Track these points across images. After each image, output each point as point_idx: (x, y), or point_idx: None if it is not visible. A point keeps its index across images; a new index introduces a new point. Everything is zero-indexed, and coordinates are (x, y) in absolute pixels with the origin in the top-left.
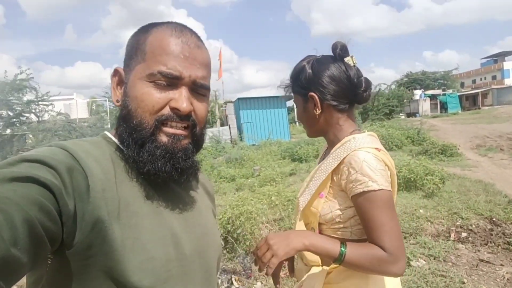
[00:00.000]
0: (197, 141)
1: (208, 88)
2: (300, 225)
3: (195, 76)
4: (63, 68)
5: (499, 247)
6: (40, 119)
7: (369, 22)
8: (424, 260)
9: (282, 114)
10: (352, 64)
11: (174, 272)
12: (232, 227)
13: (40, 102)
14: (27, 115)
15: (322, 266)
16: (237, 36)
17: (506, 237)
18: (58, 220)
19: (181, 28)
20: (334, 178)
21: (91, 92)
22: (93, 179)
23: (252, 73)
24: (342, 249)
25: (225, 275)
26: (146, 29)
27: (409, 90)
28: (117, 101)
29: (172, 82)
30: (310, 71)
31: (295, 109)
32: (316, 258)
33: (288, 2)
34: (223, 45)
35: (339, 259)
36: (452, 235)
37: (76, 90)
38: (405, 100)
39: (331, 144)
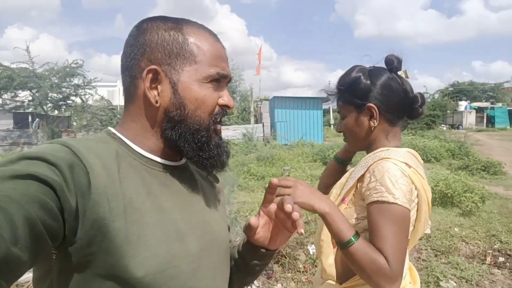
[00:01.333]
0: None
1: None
2: (326, 230)
3: (230, 74)
4: (110, 56)
5: None
6: (85, 103)
7: (416, 27)
8: (455, 282)
9: (317, 115)
10: (406, 78)
11: (181, 268)
12: None
13: (86, 87)
14: (73, 98)
15: (336, 281)
16: (278, 34)
17: None
18: (59, 217)
19: (213, 32)
20: (358, 185)
21: None
22: (94, 176)
23: (290, 72)
24: (353, 237)
25: None
26: (174, 27)
27: (453, 101)
28: (156, 102)
29: (221, 81)
30: (368, 82)
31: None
32: (333, 272)
33: (332, 3)
34: (263, 42)
35: (345, 245)
36: (488, 259)
37: (120, 77)
38: (448, 111)
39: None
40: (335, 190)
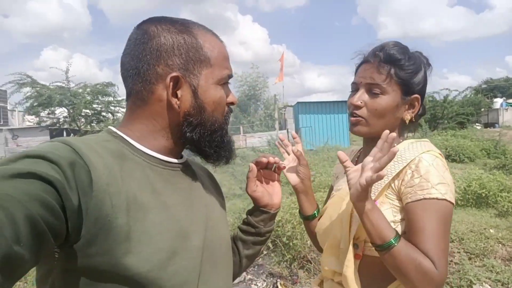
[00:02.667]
0: None
1: None
2: (346, 236)
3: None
4: None
5: None
6: (115, 118)
7: (443, 25)
8: (490, 286)
9: (342, 119)
10: None
11: (185, 264)
12: (282, 231)
13: (116, 104)
14: (104, 114)
15: None
16: (301, 40)
17: None
18: (61, 215)
19: (215, 33)
20: (393, 183)
21: None
22: (96, 174)
23: (313, 77)
24: (393, 239)
25: (271, 279)
26: (184, 30)
27: (488, 98)
28: (178, 107)
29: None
30: (424, 75)
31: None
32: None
33: (354, 6)
34: (286, 49)
35: (384, 247)
36: None
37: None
38: (482, 109)
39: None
40: (345, 185)
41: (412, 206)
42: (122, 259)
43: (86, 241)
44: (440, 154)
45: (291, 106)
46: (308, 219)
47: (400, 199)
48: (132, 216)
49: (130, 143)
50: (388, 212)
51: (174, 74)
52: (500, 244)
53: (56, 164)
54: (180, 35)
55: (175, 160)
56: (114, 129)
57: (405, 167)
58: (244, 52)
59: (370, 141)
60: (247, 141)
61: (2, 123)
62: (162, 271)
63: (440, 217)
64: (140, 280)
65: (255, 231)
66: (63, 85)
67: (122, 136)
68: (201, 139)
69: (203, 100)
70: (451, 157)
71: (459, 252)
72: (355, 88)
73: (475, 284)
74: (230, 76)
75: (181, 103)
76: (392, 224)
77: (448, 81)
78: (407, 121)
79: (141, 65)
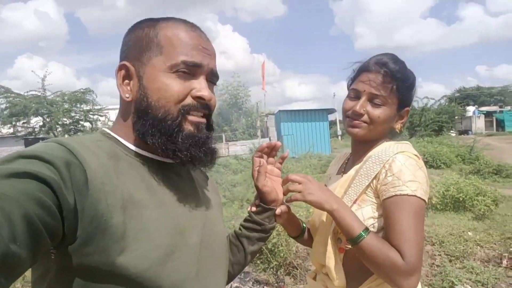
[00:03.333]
0: (211, 129)
1: (218, 78)
2: (332, 233)
3: (212, 65)
4: None
5: None
6: (94, 127)
7: (416, 36)
8: (471, 286)
9: (323, 127)
10: None
11: (183, 260)
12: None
13: (95, 112)
14: (82, 122)
15: None
16: (281, 49)
17: None
18: (57, 215)
19: (191, 23)
20: (372, 183)
21: None
22: (91, 173)
23: (294, 86)
24: (363, 232)
25: (258, 286)
26: (150, 24)
27: (461, 106)
28: (127, 97)
29: (193, 71)
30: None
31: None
32: (342, 280)
33: (332, 17)
34: (266, 59)
35: (355, 240)
36: (505, 262)
37: None
38: (456, 117)
39: (364, 152)
40: (338, 188)
41: (386, 202)
42: (118, 257)
43: (82, 241)
44: (415, 155)
45: (273, 114)
46: (298, 238)
47: (378, 196)
48: (128, 214)
49: (122, 143)
50: (368, 209)
51: (121, 63)
52: (478, 246)
53: (51, 164)
54: (143, 29)
55: (168, 160)
56: (107, 131)
57: (382, 168)
58: (225, 61)
59: (360, 145)
60: (230, 149)
61: None
62: (161, 268)
63: (409, 212)
64: (138, 279)
65: (260, 228)
66: (39, 93)
67: (115, 137)
68: (146, 129)
69: (147, 87)
70: (428, 163)
71: (440, 255)
72: (356, 95)
73: (456, 285)
74: (189, 64)
75: (132, 93)
76: (372, 219)
77: (423, 90)
78: (398, 131)
79: (119, 61)
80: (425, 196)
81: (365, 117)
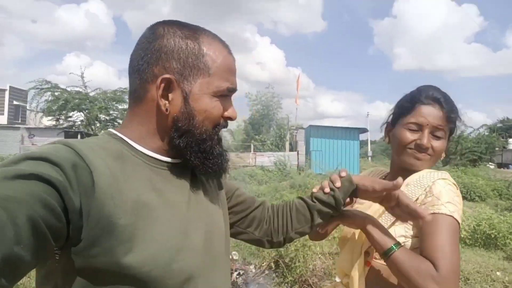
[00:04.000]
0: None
1: None
2: (356, 248)
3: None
4: None
5: None
6: None
7: (459, 61)
8: None
9: (353, 146)
10: None
11: (188, 261)
12: (285, 252)
13: None
14: (120, 121)
15: None
16: (316, 65)
17: None
18: (62, 217)
19: (226, 44)
20: None
21: None
22: (97, 175)
23: (327, 102)
24: (394, 246)
25: None
26: (190, 36)
27: (503, 138)
28: (166, 110)
29: (230, 95)
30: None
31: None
32: None
33: (371, 36)
34: (301, 72)
35: (386, 253)
36: None
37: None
38: (497, 148)
39: (405, 176)
40: (378, 206)
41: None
42: (125, 258)
43: (88, 242)
44: (454, 184)
45: (303, 128)
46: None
47: None
48: (136, 215)
49: (129, 144)
50: (400, 228)
51: (166, 76)
52: None
53: (58, 166)
54: (184, 40)
55: (174, 160)
56: (113, 131)
57: (423, 191)
58: (261, 72)
59: (405, 171)
60: (257, 160)
61: (20, 121)
62: (167, 268)
63: (447, 230)
64: (144, 279)
65: (336, 207)
66: (81, 90)
67: (121, 138)
68: (188, 147)
69: (193, 108)
70: (462, 194)
71: None
72: (417, 128)
73: None
74: (231, 90)
75: (171, 107)
76: (402, 238)
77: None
78: (442, 158)
79: (142, 63)
80: (460, 220)
81: (430, 150)
